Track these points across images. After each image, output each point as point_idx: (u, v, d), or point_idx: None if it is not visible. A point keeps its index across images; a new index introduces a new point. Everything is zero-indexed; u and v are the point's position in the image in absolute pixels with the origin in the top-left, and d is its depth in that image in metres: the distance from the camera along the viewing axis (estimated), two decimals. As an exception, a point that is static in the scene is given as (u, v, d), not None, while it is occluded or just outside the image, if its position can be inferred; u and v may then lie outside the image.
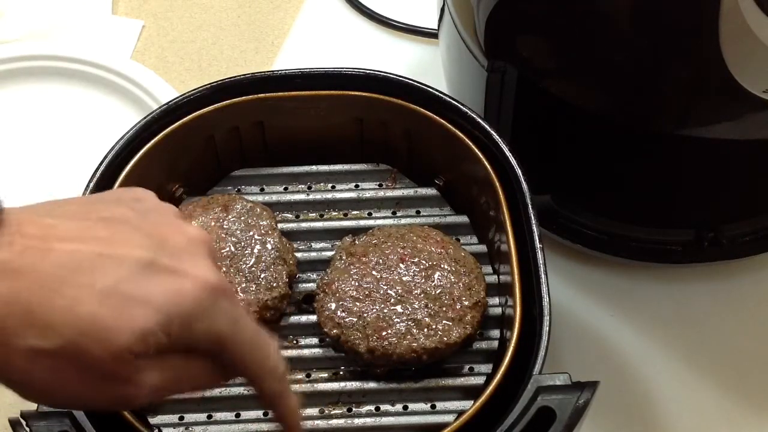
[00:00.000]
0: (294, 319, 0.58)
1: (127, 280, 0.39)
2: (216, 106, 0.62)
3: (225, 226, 0.59)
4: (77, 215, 0.41)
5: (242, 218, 0.59)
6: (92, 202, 0.43)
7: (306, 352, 0.57)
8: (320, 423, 0.54)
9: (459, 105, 0.61)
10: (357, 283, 0.57)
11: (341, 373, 0.57)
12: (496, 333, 0.58)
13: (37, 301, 0.38)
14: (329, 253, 0.60)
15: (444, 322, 0.55)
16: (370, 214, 0.64)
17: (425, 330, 0.55)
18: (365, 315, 0.56)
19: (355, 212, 0.64)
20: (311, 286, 0.59)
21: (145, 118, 0.61)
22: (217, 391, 0.55)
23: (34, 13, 0.90)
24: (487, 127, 0.60)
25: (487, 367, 0.56)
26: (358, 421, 0.55)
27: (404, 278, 0.57)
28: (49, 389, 0.39)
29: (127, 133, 0.60)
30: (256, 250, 0.58)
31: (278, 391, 0.44)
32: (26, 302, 0.37)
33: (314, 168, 0.65)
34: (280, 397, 0.44)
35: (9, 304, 0.37)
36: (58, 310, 0.38)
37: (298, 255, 0.60)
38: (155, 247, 0.40)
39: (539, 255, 0.55)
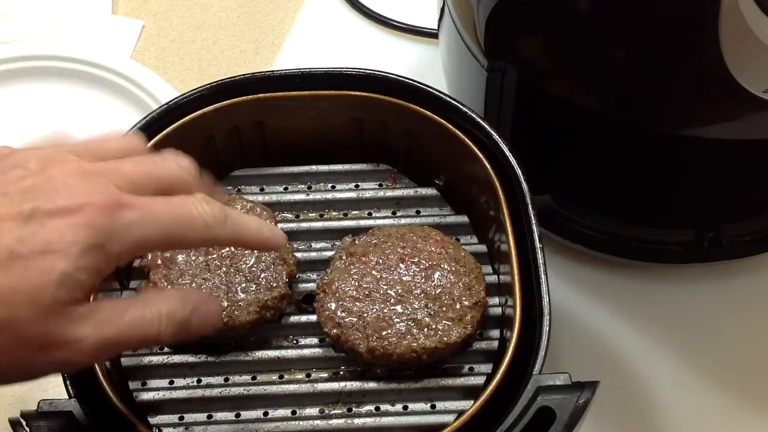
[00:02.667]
0: (294, 319, 0.58)
1: (17, 242, 0.38)
2: (216, 106, 0.62)
3: (225, 226, 0.59)
4: None
5: (242, 218, 0.59)
6: None
7: (306, 352, 0.57)
8: (320, 423, 0.54)
9: (459, 105, 0.61)
10: (357, 283, 0.57)
11: (341, 373, 0.57)
12: (496, 333, 0.58)
13: None
14: (329, 253, 0.60)
15: (444, 322, 0.55)
16: (370, 214, 0.63)
17: (425, 330, 0.55)
18: (365, 315, 0.56)
19: (355, 212, 0.64)
20: (311, 286, 0.59)
21: (145, 118, 0.61)
22: (217, 391, 0.56)
23: (34, 13, 0.90)
24: (487, 127, 0.60)
25: (487, 367, 0.56)
26: (358, 421, 0.55)
27: (404, 278, 0.57)
28: None
29: (127, 133, 0.60)
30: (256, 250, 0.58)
31: (229, 230, 0.44)
32: None
33: (314, 168, 0.65)
34: (236, 227, 0.44)
35: None
36: None
37: (298, 255, 0.60)
38: (25, 200, 0.39)
39: (539, 255, 0.55)
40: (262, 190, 0.64)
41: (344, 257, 0.58)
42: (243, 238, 0.45)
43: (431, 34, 0.86)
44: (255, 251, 0.58)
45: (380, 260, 0.58)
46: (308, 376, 0.57)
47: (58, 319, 0.39)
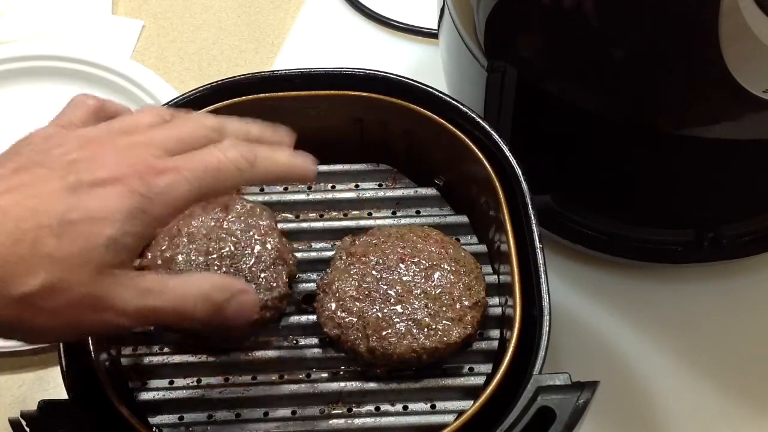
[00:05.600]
0: (294, 319, 0.58)
1: (67, 210, 0.42)
2: (216, 106, 0.62)
3: (225, 226, 0.59)
4: None
5: (242, 218, 0.59)
6: None
7: (306, 352, 0.57)
8: (320, 423, 0.54)
9: (459, 105, 0.61)
10: (357, 283, 0.57)
11: (341, 373, 0.57)
12: (496, 333, 0.58)
13: (6, 253, 0.41)
14: (329, 253, 0.60)
15: (444, 322, 0.55)
16: (370, 214, 0.63)
17: (425, 330, 0.55)
18: (365, 315, 0.56)
19: (355, 212, 0.64)
20: (311, 286, 0.59)
21: (145, 118, 0.61)
22: (216, 391, 0.56)
23: (34, 13, 0.90)
24: (487, 127, 0.60)
25: (487, 367, 0.56)
26: (358, 421, 0.55)
27: (404, 278, 0.57)
28: (50, 329, 0.42)
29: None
30: (256, 250, 0.58)
31: (261, 170, 0.47)
32: None
33: (314, 168, 0.65)
34: (268, 166, 0.47)
35: None
36: (27, 255, 0.41)
37: (298, 255, 0.60)
38: (70, 172, 0.43)
39: (539, 255, 0.55)
40: (262, 190, 0.64)
41: (344, 257, 0.58)
42: (276, 175, 0.48)
43: (431, 34, 0.86)
44: (255, 251, 0.58)
45: (380, 260, 0.58)
46: (308, 376, 0.57)
47: (105, 281, 0.42)
